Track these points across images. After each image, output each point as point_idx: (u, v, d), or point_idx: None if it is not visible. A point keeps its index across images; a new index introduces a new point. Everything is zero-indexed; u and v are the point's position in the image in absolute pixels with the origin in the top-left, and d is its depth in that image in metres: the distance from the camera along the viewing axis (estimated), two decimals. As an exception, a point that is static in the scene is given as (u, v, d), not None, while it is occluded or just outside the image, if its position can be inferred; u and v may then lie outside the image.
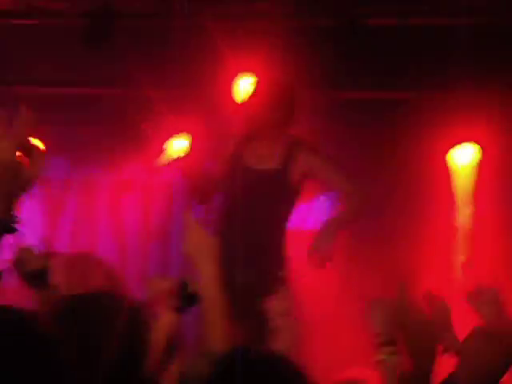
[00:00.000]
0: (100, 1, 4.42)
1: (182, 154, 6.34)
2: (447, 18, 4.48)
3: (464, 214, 4.75)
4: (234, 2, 4.40)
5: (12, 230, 1.40)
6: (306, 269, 3.68)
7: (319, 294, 5.09)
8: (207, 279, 2.15)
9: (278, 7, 4.51)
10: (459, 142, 4.78)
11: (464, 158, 4.79)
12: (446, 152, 4.84)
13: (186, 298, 2.28)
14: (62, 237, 6.84)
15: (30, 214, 6.78)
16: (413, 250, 4.89)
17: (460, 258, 4.75)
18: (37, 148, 1.41)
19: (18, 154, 1.38)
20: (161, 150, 6.25)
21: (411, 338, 2.16)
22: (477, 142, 4.77)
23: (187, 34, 4.60)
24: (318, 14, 4.50)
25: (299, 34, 4.49)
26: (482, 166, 4.78)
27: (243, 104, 3.58)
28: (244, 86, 4.39)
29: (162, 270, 7.00)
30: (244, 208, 3.48)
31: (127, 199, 6.85)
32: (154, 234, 7.05)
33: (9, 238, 1.69)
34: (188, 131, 5.87)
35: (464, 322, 2.47)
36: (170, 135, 5.88)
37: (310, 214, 6.36)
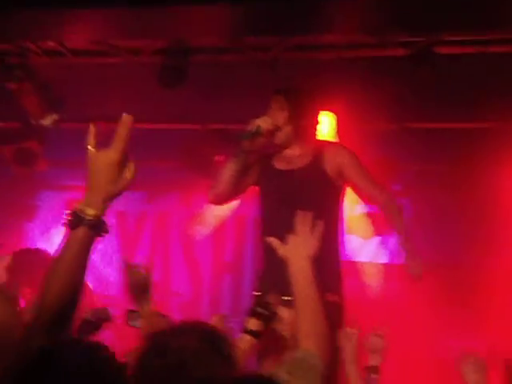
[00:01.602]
0: (175, 37, 4.50)
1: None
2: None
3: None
4: (308, 33, 4.38)
5: (106, 230, 1.60)
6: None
7: (402, 346, 4.84)
8: (302, 279, 2.15)
9: (350, 38, 4.47)
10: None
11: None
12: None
13: (265, 317, 2.34)
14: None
15: (106, 245, 6.95)
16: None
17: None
18: (131, 161, 1.61)
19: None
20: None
21: None
22: None
23: (258, 67, 4.64)
24: (392, 43, 4.43)
25: (373, 64, 4.45)
26: None
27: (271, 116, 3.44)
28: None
29: (234, 302, 7.01)
30: (284, 216, 3.15)
31: (200, 232, 6.92)
32: (227, 266, 7.07)
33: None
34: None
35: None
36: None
37: (382, 247, 6.24)
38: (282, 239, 3.23)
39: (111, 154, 1.58)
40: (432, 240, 5.82)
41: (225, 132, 5.51)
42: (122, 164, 1.58)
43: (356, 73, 4.37)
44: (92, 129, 1.61)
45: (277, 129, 3.36)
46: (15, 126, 5.41)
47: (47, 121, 4.87)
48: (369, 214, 5.82)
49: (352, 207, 5.59)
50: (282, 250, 2.25)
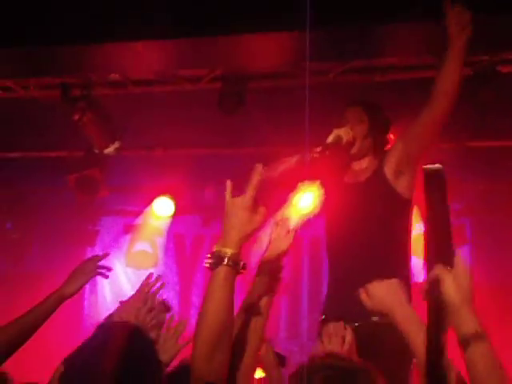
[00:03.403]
0: (232, 65, 4.57)
1: (308, 211, 6.35)
2: None
3: None
4: (360, 57, 4.39)
5: (244, 267, 1.78)
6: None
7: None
8: (415, 322, 1.96)
9: (408, 59, 4.47)
10: None
11: None
12: None
13: None
14: (196, 289, 7.02)
15: (166, 269, 7.04)
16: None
17: None
18: (261, 206, 1.80)
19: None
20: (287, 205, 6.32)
21: None
22: None
23: (315, 92, 4.65)
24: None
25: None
26: None
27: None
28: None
29: (291, 323, 6.99)
30: (350, 233, 3.22)
31: (258, 253, 6.92)
32: (284, 286, 7.06)
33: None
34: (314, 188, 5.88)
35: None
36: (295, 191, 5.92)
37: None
38: (347, 256, 3.21)
39: (244, 200, 1.79)
40: (493, 261, 5.71)
41: (281, 155, 5.53)
42: (253, 208, 1.78)
43: (417, 93, 4.34)
44: (229, 183, 1.85)
45: (356, 140, 3.32)
46: (78, 155, 5.56)
47: (110, 149, 4.99)
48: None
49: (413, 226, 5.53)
50: (371, 303, 2.09)
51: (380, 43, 4.22)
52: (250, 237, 1.81)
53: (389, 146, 3.45)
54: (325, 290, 3.47)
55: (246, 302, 2.14)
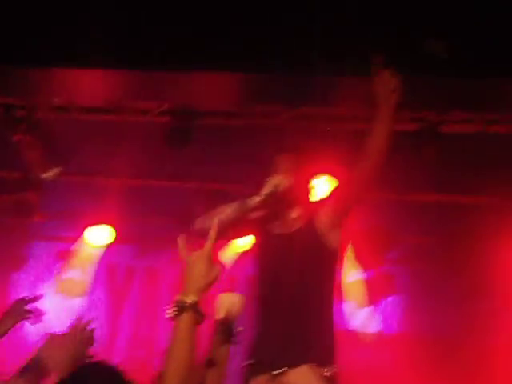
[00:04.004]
0: (182, 100, 4.57)
1: (245, 249, 6.35)
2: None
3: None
4: (313, 104, 4.47)
5: (204, 316, 1.86)
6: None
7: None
8: None
9: (356, 110, 4.56)
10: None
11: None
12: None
13: None
14: (124, 322, 6.86)
15: (95, 298, 6.86)
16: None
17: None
18: (219, 260, 1.94)
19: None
20: (226, 245, 6.29)
21: None
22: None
23: (264, 133, 4.70)
24: (398, 118, 4.52)
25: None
26: None
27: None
28: (318, 186, 4.31)
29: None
30: (280, 281, 3.20)
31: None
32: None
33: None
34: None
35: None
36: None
37: (374, 316, 6.20)
38: (276, 305, 3.25)
39: (203, 254, 1.90)
40: (424, 310, 5.81)
41: (222, 192, 5.53)
42: (211, 262, 1.89)
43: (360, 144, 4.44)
44: (182, 240, 1.94)
45: (289, 189, 3.28)
46: (14, 177, 5.40)
47: (48, 174, 4.87)
48: (364, 281, 5.82)
49: (347, 273, 5.58)
50: None
51: (325, 93, 4.31)
52: (208, 288, 1.88)
53: (321, 197, 3.51)
54: (252, 334, 3.42)
55: (207, 358, 2.36)
